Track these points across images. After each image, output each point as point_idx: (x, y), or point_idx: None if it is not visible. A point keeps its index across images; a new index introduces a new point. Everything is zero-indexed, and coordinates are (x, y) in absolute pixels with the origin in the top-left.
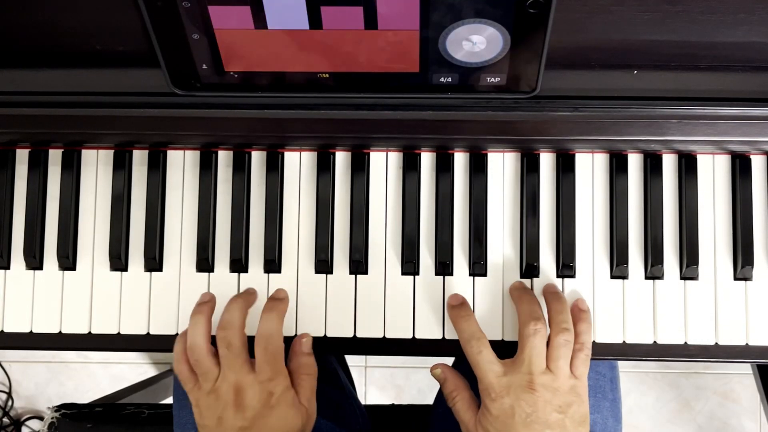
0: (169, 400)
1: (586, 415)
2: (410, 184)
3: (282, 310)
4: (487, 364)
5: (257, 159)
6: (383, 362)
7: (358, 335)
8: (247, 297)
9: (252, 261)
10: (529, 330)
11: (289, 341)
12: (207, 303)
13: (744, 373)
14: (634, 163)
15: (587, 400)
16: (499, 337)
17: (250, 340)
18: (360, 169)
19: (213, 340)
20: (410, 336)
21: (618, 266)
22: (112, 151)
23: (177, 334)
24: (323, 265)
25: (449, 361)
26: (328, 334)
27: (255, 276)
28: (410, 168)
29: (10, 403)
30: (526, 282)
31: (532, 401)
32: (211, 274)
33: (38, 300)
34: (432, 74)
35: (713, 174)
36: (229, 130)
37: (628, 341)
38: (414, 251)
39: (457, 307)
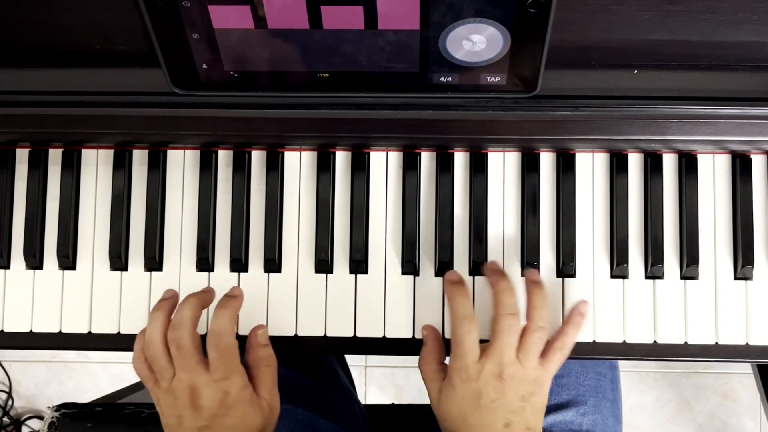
0: None
1: (544, 404)
2: (410, 184)
3: (235, 307)
4: (470, 345)
5: (257, 158)
6: (383, 362)
7: (358, 335)
8: (201, 296)
9: (252, 260)
10: (504, 324)
11: (288, 341)
12: (168, 300)
13: (744, 372)
14: (635, 162)
15: (547, 392)
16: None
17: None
18: (360, 169)
19: None
20: (410, 335)
21: (618, 266)
22: (112, 151)
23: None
24: (323, 264)
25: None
26: (328, 334)
27: (255, 275)
28: (410, 167)
29: (10, 402)
30: None
31: (500, 389)
32: (211, 273)
33: (38, 299)
34: (432, 74)
35: (713, 173)
36: (229, 129)
37: (628, 341)
38: (414, 251)
39: (456, 284)
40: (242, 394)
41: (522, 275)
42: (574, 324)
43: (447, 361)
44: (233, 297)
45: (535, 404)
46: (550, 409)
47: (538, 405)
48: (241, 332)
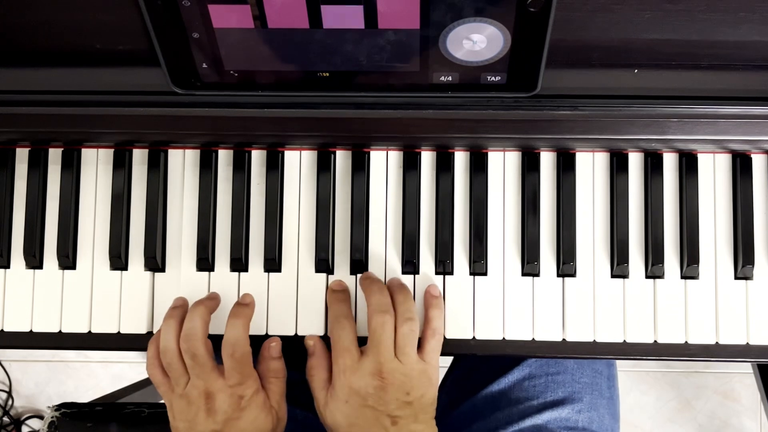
0: None
1: (433, 398)
2: (410, 183)
3: (248, 315)
4: (346, 344)
5: (257, 158)
6: None
7: (358, 334)
8: (208, 302)
9: (252, 260)
10: (377, 321)
11: (288, 341)
12: (179, 308)
13: (744, 372)
14: (635, 162)
15: (437, 384)
16: (500, 336)
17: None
18: (360, 168)
19: None
20: None
21: (618, 265)
22: (112, 150)
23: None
24: (323, 264)
25: (449, 360)
26: (329, 334)
27: (255, 275)
28: (410, 167)
29: (10, 402)
30: (527, 280)
31: (381, 387)
32: (211, 273)
33: (38, 299)
34: (432, 73)
35: (714, 173)
36: (229, 129)
37: (628, 340)
38: (414, 250)
39: (336, 292)
40: (256, 399)
41: (522, 275)
42: (434, 306)
43: None
44: (245, 305)
45: (421, 399)
46: (546, 406)
47: (427, 398)
48: None
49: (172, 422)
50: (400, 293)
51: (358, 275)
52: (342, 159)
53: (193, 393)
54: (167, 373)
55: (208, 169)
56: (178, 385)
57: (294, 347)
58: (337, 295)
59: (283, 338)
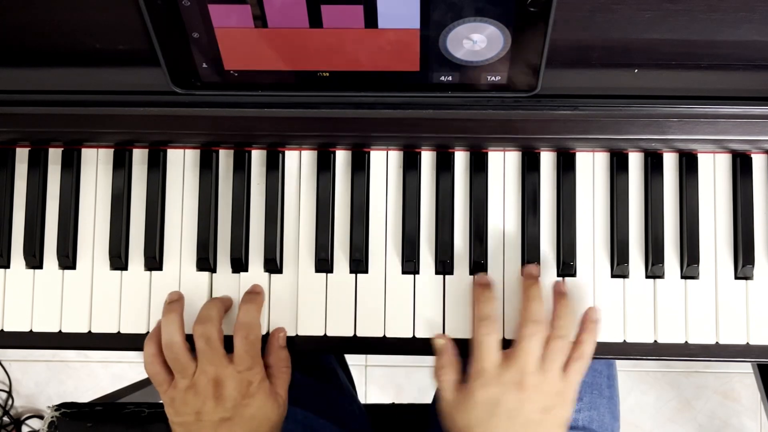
0: None
1: (567, 419)
2: (411, 183)
3: (260, 302)
4: (490, 347)
5: (257, 158)
6: (383, 361)
7: (359, 334)
8: (223, 299)
9: (252, 260)
10: (528, 331)
11: (289, 340)
12: (177, 301)
13: (744, 372)
14: (635, 161)
15: (572, 405)
16: (498, 335)
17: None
18: (360, 168)
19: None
20: (410, 335)
21: (619, 265)
22: (112, 150)
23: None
24: (323, 264)
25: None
26: (329, 333)
27: (255, 275)
28: (411, 167)
29: (10, 402)
30: None
31: (519, 399)
32: (211, 273)
33: (38, 299)
34: (432, 73)
35: (714, 173)
36: (229, 129)
37: (628, 340)
38: (414, 250)
39: (483, 286)
40: (263, 386)
41: (522, 274)
42: (588, 331)
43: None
44: (257, 293)
45: (555, 417)
46: None
47: (560, 419)
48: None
49: (174, 419)
50: (561, 306)
51: (526, 267)
52: (342, 159)
53: (202, 380)
54: (171, 367)
55: (208, 169)
56: (184, 378)
57: (295, 347)
58: (485, 293)
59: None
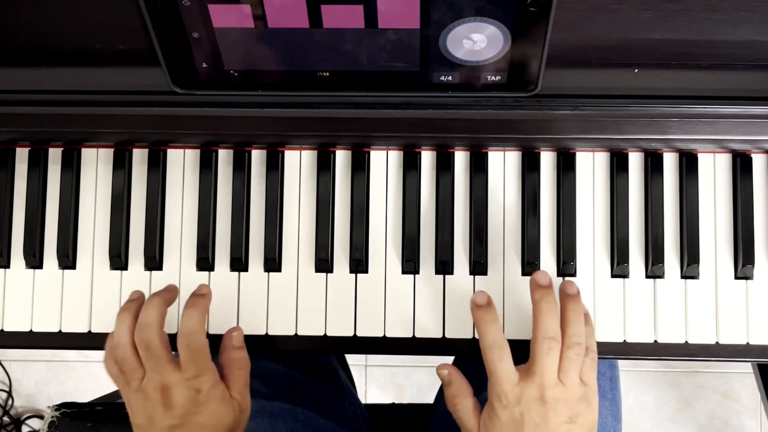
0: None
1: (595, 421)
2: (411, 183)
3: (204, 305)
4: (507, 372)
5: (257, 158)
6: (383, 361)
7: (359, 334)
8: (165, 294)
9: (252, 260)
10: (543, 347)
11: (289, 340)
12: (134, 301)
13: (744, 372)
14: (635, 161)
15: (597, 406)
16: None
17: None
18: (360, 168)
19: None
20: (410, 335)
21: (619, 265)
22: (112, 150)
23: (177, 333)
24: (323, 264)
25: (449, 360)
26: (329, 333)
27: (255, 275)
28: (411, 167)
29: (10, 401)
30: (527, 280)
31: (543, 412)
32: (211, 273)
33: (38, 299)
34: (432, 73)
35: (714, 173)
36: (229, 128)
37: (628, 340)
38: (414, 250)
39: (482, 308)
40: (214, 392)
41: (522, 274)
42: (586, 324)
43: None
44: (201, 296)
45: (583, 423)
46: None
47: (587, 424)
48: (247, 332)
49: (132, 419)
50: (572, 311)
51: (533, 274)
52: (342, 159)
53: (149, 387)
54: (121, 369)
55: (208, 168)
56: (133, 380)
57: (295, 347)
58: (487, 315)
59: (284, 338)
